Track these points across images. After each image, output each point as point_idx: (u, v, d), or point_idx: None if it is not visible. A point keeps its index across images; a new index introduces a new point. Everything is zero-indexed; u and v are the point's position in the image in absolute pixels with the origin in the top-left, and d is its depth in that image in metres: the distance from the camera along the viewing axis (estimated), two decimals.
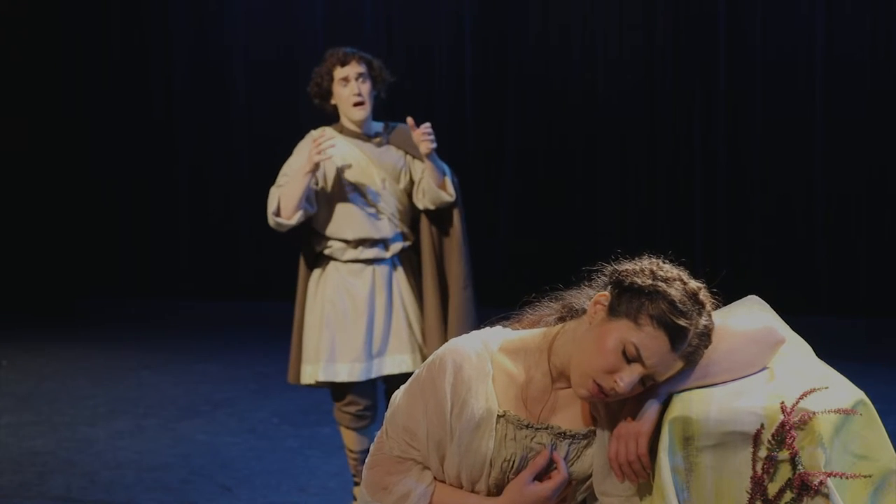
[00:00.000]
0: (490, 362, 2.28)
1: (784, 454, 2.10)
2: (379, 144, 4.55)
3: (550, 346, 2.27)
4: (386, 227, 4.48)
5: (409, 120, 4.48)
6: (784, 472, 2.10)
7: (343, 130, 4.56)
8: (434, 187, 4.43)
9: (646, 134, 8.02)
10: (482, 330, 2.38)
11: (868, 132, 7.67)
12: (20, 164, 9.10)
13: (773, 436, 2.11)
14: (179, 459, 5.18)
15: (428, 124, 4.43)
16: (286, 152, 8.68)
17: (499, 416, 2.25)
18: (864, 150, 7.69)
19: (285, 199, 4.40)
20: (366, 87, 4.50)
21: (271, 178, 8.72)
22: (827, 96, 7.73)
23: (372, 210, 4.48)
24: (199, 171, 8.98)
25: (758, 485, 2.11)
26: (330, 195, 4.48)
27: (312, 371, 4.41)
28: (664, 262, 2.23)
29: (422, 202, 4.50)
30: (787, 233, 7.89)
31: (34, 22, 9.01)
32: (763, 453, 2.11)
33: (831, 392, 2.17)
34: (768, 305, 2.41)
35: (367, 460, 2.38)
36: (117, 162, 9.07)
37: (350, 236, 4.46)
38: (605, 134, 8.11)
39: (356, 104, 4.49)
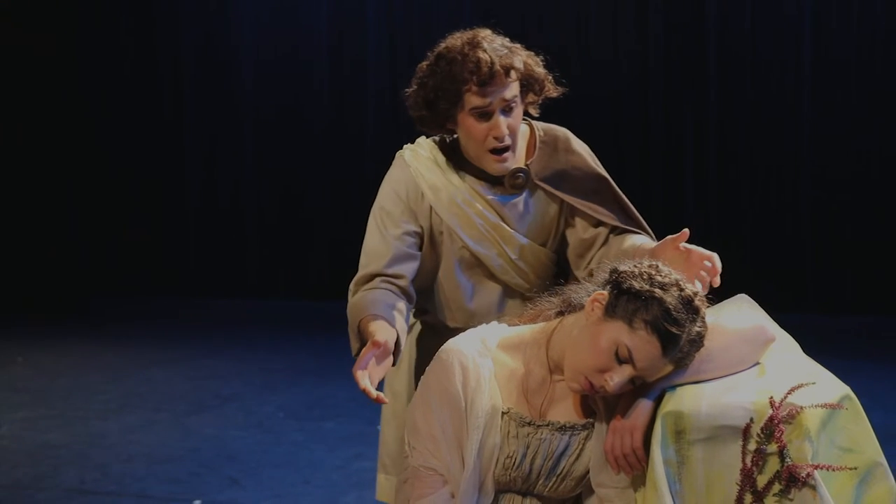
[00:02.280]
0: (490, 359, 2.28)
1: (773, 447, 2.10)
2: (517, 186, 2.66)
3: (549, 340, 2.27)
4: (515, 307, 2.69)
5: (684, 232, 2.42)
6: (773, 465, 2.10)
7: (463, 166, 2.67)
8: None
9: (639, 135, 8.00)
10: (479, 328, 2.38)
11: (854, 132, 7.66)
12: (33, 165, 9.10)
13: (762, 430, 2.11)
14: (189, 452, 5.18)
15: (717, 263, 2.40)
16: (292, 153, 8.76)
17: (503, 414, 2.25)
18: (851, 151, 7.69)
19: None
20: (516, 120, 2.60)
21: (277, 180, 8.78)
22: (814, 94, 7.73)
23: (495, 289, 2.70)
24: (208, 172, 8.97)
25: (747, 477, 2.11)
26: (431, 267, 2.70)
27: (388, 488, 2.81)
28: (663, 266, 2.22)
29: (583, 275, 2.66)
30: (776, 233, 7.89)
31: (47, 23, 9.01)
32: (752, 446, 2.11)
33: (818, 387, 2.17)
34: (757, 304, 2.41)
35: (397, 481, 2.37)
36: (128, 163, 9.06)
37: (457, 324, 2.70)
38: (598, 135, 8.08)
39: (495, 151, 2.59)
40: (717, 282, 2.39)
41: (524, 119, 2.71)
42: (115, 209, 9.12)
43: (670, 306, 2.12)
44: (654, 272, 2.18)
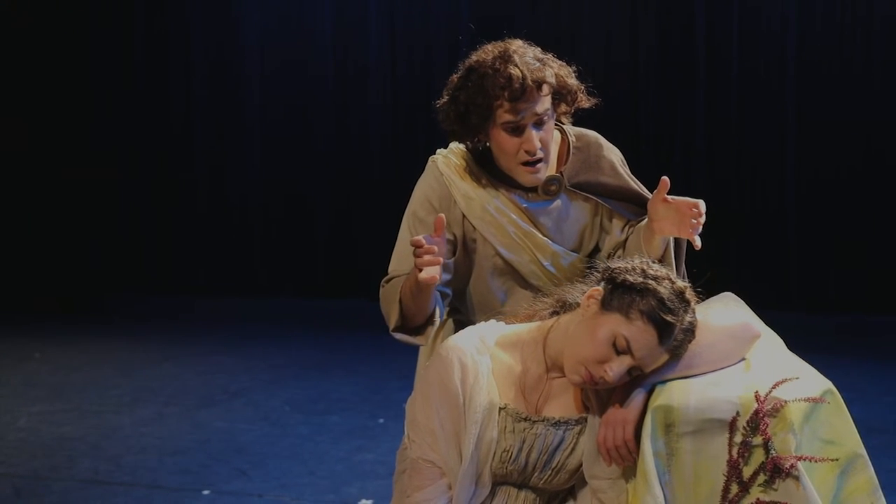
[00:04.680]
0: (489, 356, 2.27)
1: (758, 440, 2.10)
2: (551, 193, 2.58)
3: (545, 338, 2.27)
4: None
5: (664, 181, 2.43)
6: (758, 457, 2.11)
7: (495, 174, 2.59)
8: None
9: (629, 133, 7.96)
10: (478, 325, 2.38)
11: (838, 132, 7.65)
12: (48, 166, 9.09)
13: (747, 423, 2.11)
14: (198, 445, 5.17)
15: (702, 207, 2.41)
16: (297, 155, 8.75)
17: (500, 409, 2.25)
18: (834, 152, 7.68)
19: (406, 312, 2.47)
20: (548, 133, 2.52)
21: (283, 181, 8.77)
22: (798, 96, 7.72)
23: (527, 294, 2.59)
24: (217, 174, 8.96)
25: (733, 468, 2.11)
26: (465, 271, 2.62)
27: None
28: (653, 262, 2.24)
29: None
30: (762, 234, 7.89)
31: (61, 28, 9.00)
32: (738, 439, 2.11)
33: (801, 382, 2.18)
34: (743, 302, 2.41)
35: (395, 471, 2.36)
36: (142, 165, 9.05)
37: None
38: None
39: (527, 164, 2.51)
40: (701, 221, 2.39)
41: (555, 124, 2.61)
42: (128, 210, 9.11)
43: (664, 296, 2.14)
44: (646, 267, 2.20)
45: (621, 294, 2.16)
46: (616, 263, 2.24)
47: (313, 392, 6.09)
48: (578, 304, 2.25)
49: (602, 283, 2.22)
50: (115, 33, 9.06)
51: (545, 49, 2.60)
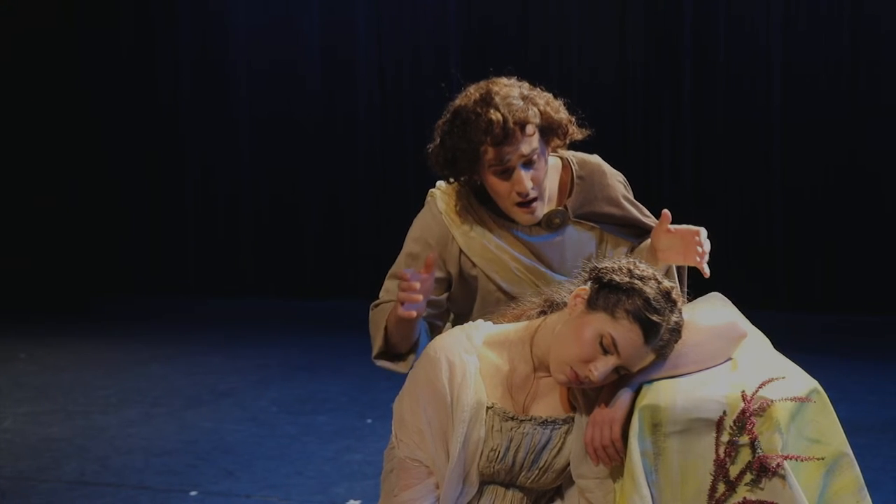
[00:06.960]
0: (476, 356, 2.27)
1: (744, 439, 2.11)
2: (554, 227, 2.54)
3: (532, 337, 2.27)
4: None
5: (665, 214, 2.46)
6: (744, 456, 2.11)
7: (495, 210, 2.55)
8: None
9: (617, 135, 8.00)
10: (465, 325, 2.38)
11: (824, 134, 7.68)
12: (35, 166, 9.06)
13: (734, 422, 2.11)
14: (186, 445, 5.16)
15: (703, 234, 2.43)
16: (286, 156, 8.74)
17: (487, 409, 2.25)
18: (821, 153, 7.70)
19: (391, 339, 2.52)
20: (539, 171, 2.45)
21: (271, 182, 8.76)
22: (785, 96, 7.74)
23: None
24: (205, 175, 8.95)
25: (720, 467, 2.12)
26: (467, 301, 2.59)
27: None
28: (640, 262, 2.24)
29: None
30: (749, 234, 7.91)
31: (51, 30, 8.98)
32: (725, 438, 2.12)
33: (788, 381, 2.18)
34: (730, 301, 2.42)
35: (383, 471, 2.36)
36: (128, 165, 9.03)
37: None
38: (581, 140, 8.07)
39: (522, 205, 2.46)
40: (706, 248, 2.41)
41: (555, 154, 2.56)
42: (116, 210, 9.09)
43: (650, 296, 2.14)
44: (632, 267, 2.20)
45: (607, 293, 2.16)
46: (603, 263, 2.24)
47: (301, 392, 6.08)
48: (566, 304, 2.25)
49: (589, 283, 2.22)
50: (104, 34, 9.04)
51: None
